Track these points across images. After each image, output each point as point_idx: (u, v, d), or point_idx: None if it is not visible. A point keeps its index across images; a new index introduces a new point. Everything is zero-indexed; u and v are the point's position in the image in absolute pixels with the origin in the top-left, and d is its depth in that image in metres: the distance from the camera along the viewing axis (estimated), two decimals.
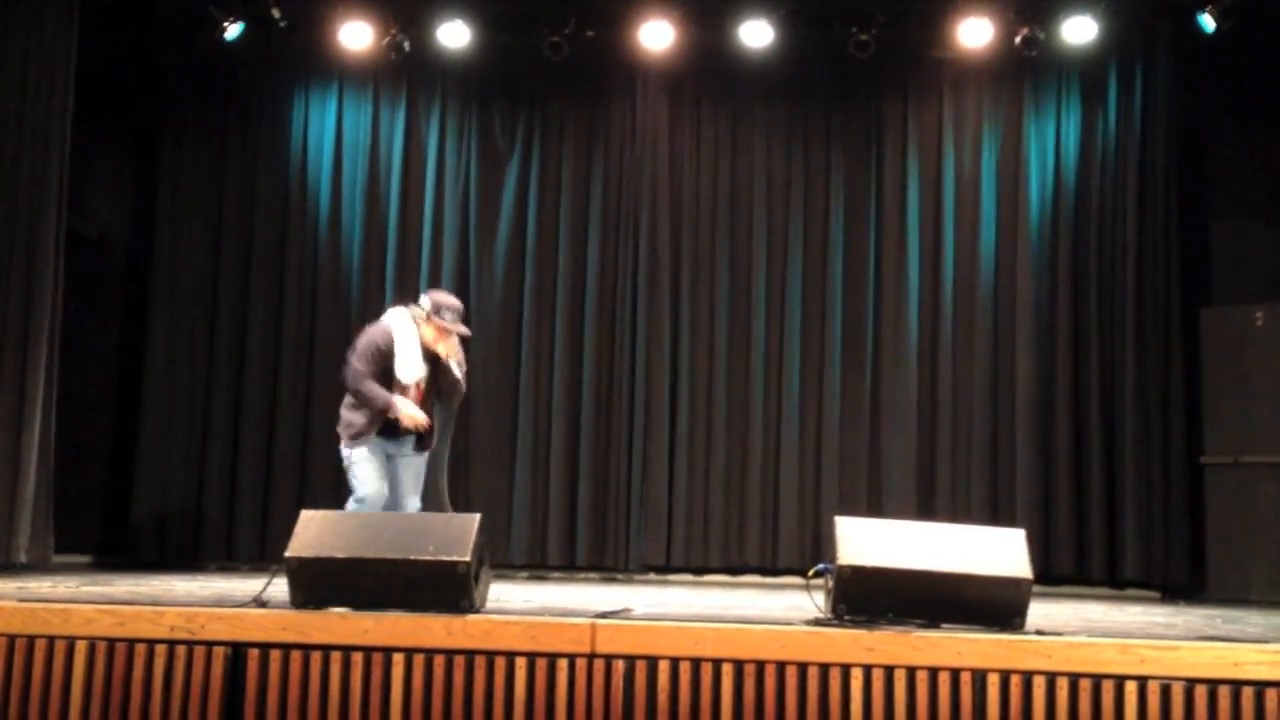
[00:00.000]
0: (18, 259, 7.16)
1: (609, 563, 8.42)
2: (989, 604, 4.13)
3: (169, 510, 8.57)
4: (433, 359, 5.83)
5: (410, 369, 5.76)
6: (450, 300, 5.90)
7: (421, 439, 5.88)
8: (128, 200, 9.16)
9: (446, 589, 4.23)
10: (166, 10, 8.73)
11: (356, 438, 5.74)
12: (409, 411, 5.70)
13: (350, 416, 5.78)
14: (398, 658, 4.04)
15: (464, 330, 5.91)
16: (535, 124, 8.90)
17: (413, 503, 5.92)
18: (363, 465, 5.74)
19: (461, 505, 8.28)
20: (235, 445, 8.67)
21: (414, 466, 5.94)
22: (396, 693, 4.02)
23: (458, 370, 5.86)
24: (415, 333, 5.79)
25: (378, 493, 5.74)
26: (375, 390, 5.68)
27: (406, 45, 8.46)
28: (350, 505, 5.75)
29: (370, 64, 8.72)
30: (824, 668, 3.92)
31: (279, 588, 4.43)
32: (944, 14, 8.24)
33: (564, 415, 8.57)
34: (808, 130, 8.77)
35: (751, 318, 8.62)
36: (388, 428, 5.77)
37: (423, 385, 5.86)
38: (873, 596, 4.16)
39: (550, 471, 8.52)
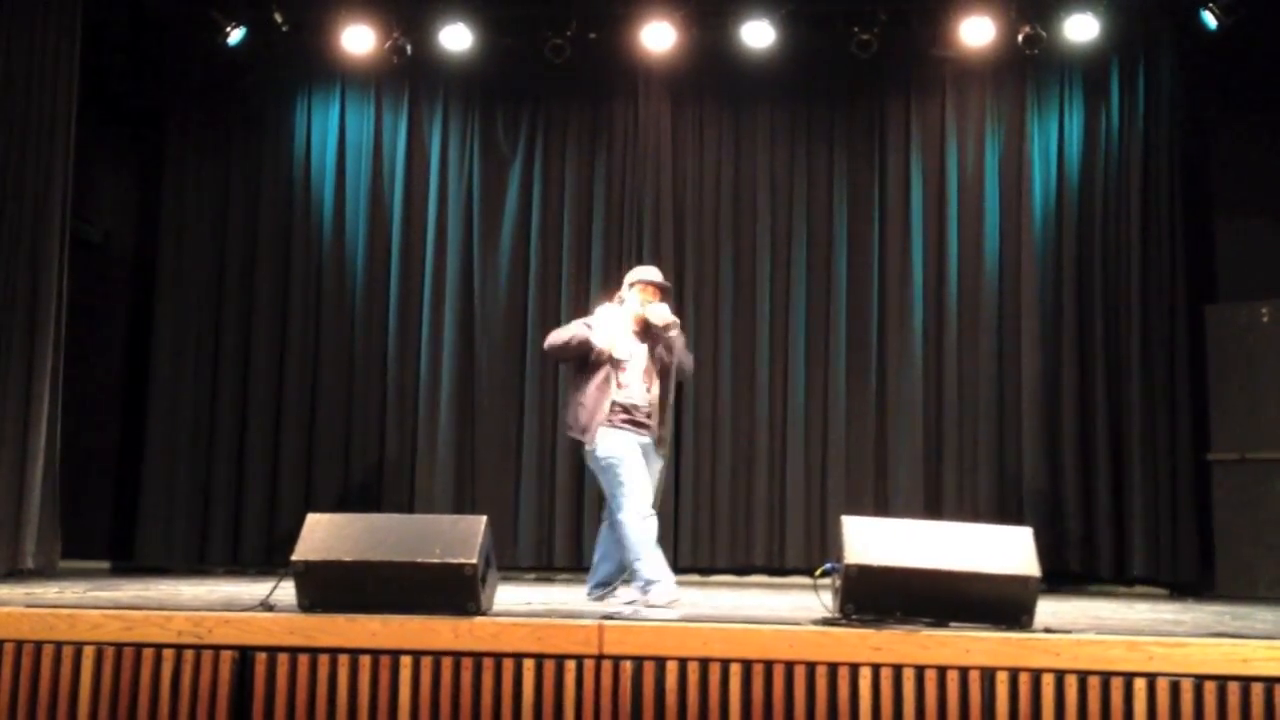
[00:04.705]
0: (22, 264, 7.16)
1: None
2: (997, 602, 4.13)
3: (175, 514, 8.56)
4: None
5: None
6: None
7: None
8: (132, 205, 9.17)
9: (453, 591, 4.23)
10: (169, 15, 8.74)
11: None
12: None
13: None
14: (405, 660, 4.04)
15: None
16: (538, 126, 8.90)
17: None
18: None
19: (467, 507, 8.32)
20: (241, 449, 8.66)
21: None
22: (404, 696, 4.02)
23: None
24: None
25: None
26: None
27: (408, 49, 8.45)
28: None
29: (373, 68, 8.72)
30: (832, 667, 3.91)
31: (286, 591, 4.44)
32: (946, 13, 8.23)
33: None
34: (810, 131, 8.76)
35: (756, 318, 8.60)
36: None
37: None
38: (880, 596, 4.16)
39: (556, 473, 8.51)
